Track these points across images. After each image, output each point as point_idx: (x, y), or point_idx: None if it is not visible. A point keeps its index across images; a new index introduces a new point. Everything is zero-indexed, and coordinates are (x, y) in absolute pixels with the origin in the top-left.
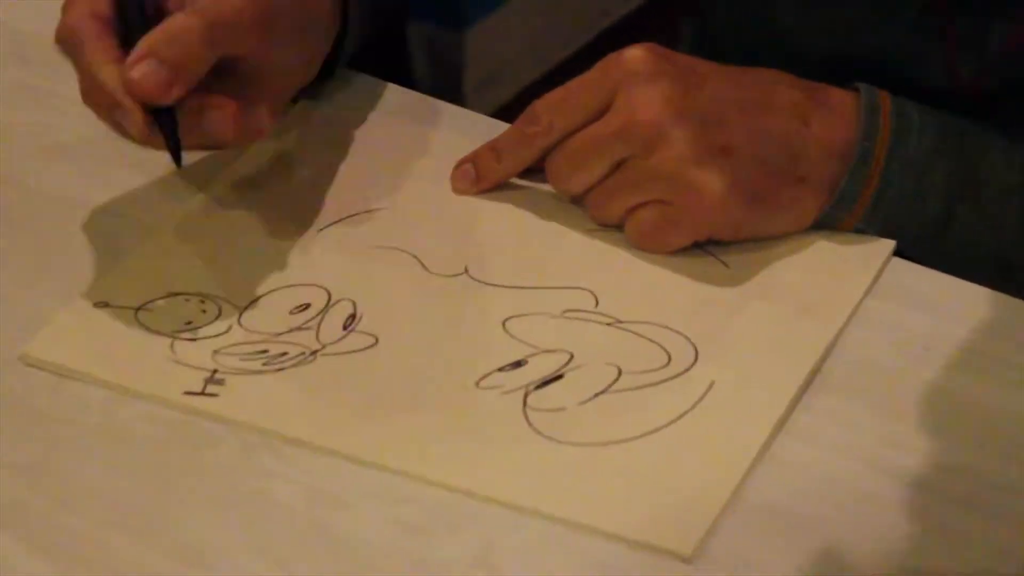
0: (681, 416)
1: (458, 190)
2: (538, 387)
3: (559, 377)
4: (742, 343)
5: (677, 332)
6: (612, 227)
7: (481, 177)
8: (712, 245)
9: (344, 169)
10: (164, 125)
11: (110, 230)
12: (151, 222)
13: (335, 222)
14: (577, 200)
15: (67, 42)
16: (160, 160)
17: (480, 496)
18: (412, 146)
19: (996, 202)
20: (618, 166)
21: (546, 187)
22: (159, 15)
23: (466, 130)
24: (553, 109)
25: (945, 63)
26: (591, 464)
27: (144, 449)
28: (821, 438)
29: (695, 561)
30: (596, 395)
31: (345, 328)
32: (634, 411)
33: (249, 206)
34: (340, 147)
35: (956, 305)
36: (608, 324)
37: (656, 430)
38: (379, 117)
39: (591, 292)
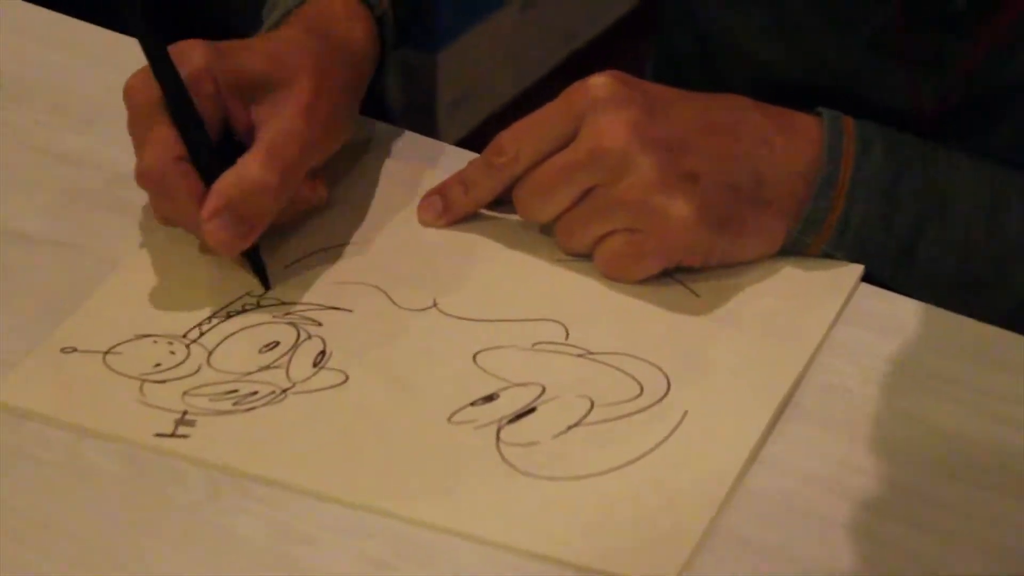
0: (656, 447)
1: (425, 222)
2: (511, 421)
3: (532, 410)
4: (714, 372)
5: (649, 362)
6: (582, 256)
7: (448, 209)
8: (682, 274)
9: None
10: (250, 257)
11: (72, 265)
12: (114, 256)
13: (301, 258)
14: (546, 229)
15: (155, 185)
16: (118, 193)
17: (456, 533)
18: (378, 178)
19: (963, 220)
20: (586, 194)
21: (514, 218)
22: (228, 136)
23: (435, 160)
24: (519, 139)
25: (906, 85)
26: (567, 498)
27: (109, 486)
28: (791, 466)
29: None
30: (569, 428)
31: (315, 366)
32: (608, 443)
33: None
34: None
35: (922, 330)
36: (579, 356)
37: (631, 462)
38: (347, 150)
39: (561, 324)
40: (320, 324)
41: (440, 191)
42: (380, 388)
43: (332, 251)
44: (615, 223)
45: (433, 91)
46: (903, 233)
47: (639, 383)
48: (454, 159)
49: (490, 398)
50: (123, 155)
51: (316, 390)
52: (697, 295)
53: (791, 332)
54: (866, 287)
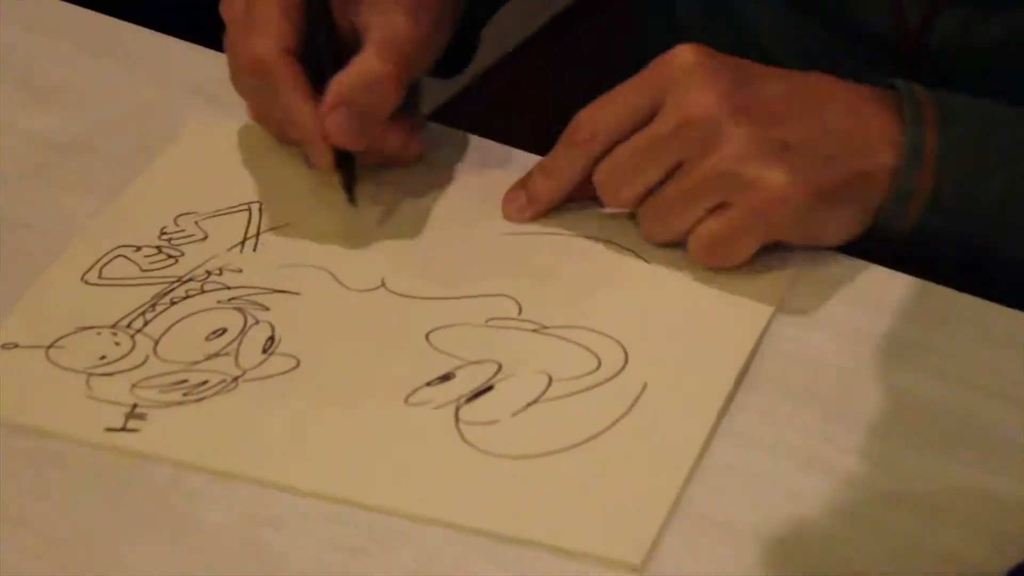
0: (617, 421)
1: (510, 218)
2: (469, 400)
3: (490, 388)
4: (671, 341)
5: (605, 335)
6: (669, 246)
7: (532, 200)
8: (630, 241)
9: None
10: (345, 167)
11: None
12: (63, 232)
13: (241, 241)
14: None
15: (258, 75)
16: (84, 175)
17: (420, 518)
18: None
19: None
20: (672, 171)
21: (457, 192)
22: (336, 43)
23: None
24: (597, 115)
25: (891, 8)
26: (531, 476)
27: (70, 472)
28: (759, 440)
29: (643, 571)
30: (529, 405)
31: (265, 351)
32: (569, 419)
33: (147, 228)
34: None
35: (887, 297)
36: (534, 331)
37: (593, 437)
38: None
39: (513, 299)
40: (267, 308)
41: (522, 184)
42: (333, 372)
43: (273, 232)
44: (707, 199)
45: None
46: (996, 196)
47: (596, 356)
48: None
49: (446, 377)
50: (89, 134)
51: (268, 377)
52: (648, 262)
53: (747, 297)
54: (827, 253)
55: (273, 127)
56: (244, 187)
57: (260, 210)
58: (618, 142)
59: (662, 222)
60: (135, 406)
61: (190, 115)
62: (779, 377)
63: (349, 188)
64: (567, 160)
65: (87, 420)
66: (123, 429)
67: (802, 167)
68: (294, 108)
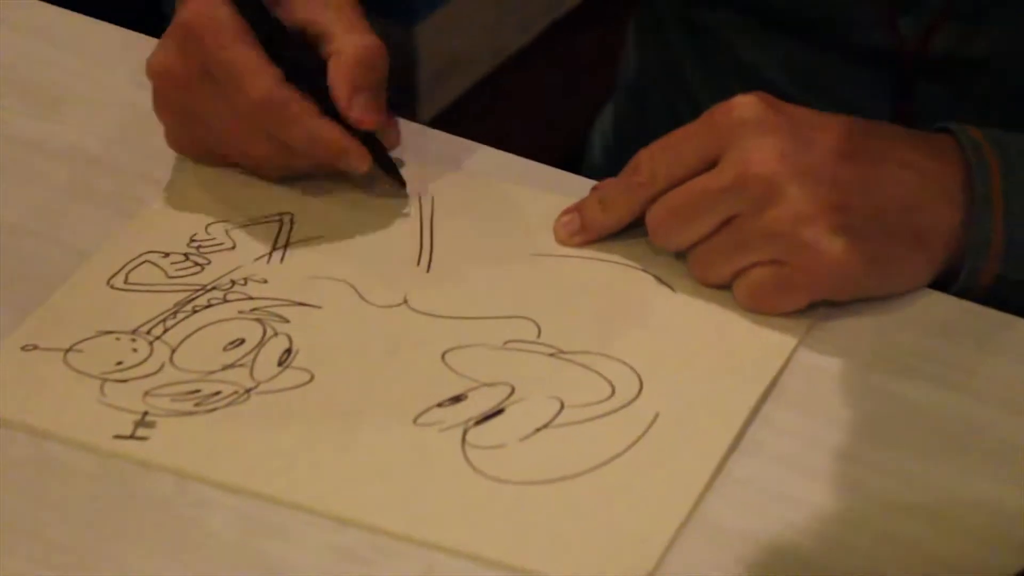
0: (625, 451)
1: (562, 241)
2: (478, 423)
3: (500, 412)
4: (690, 372)
5: (622, 362)
6: (720, 287)
7: (585, 227)
8: (657, 268)
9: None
10: (381, 160)
11: (43, 256)
12: (84, 248)
13: (268, 252)
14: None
15: (269, 114)
16: (87, 182)
17: (420, 540)
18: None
19: None
20: (726, 222)
21: (484, 208)
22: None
23: (414, 147)
24: (657, 158)
25: (884, 21)
26: (533, 503)
27: (75, 481)
28: (767, 450)
29: None
30: (537, 430)
31: (280, 364)
32: (577, 446)
33: (178, 235)
34: None
35: (902, 309)
36: (551, 355)
37: (600, 466)
38: None
39: (534, 321)
40: (287, 321)
41: (578, 209)
42: (346, 388)
43: (302, 244)
44: (759, 255)
45: (412, 65)
46: None
47: (611, 384)
48: (434, 142)
49: (457, 399)
50: (91, 142)
51: (280, 390)
52: (673, 290)
53: (770, 331)
54: None
55: (306, 162)
56: (277, 197)
57: (291, 221)
58: (675, 185)
59: (711, 268)
60: (145, 414)
61: None
62: (788, 387)
63: (395, 174)
64: (625, 198)
65: (96, 426)
66: (131, 437)
67: (859, 232)
68: (317, 128)
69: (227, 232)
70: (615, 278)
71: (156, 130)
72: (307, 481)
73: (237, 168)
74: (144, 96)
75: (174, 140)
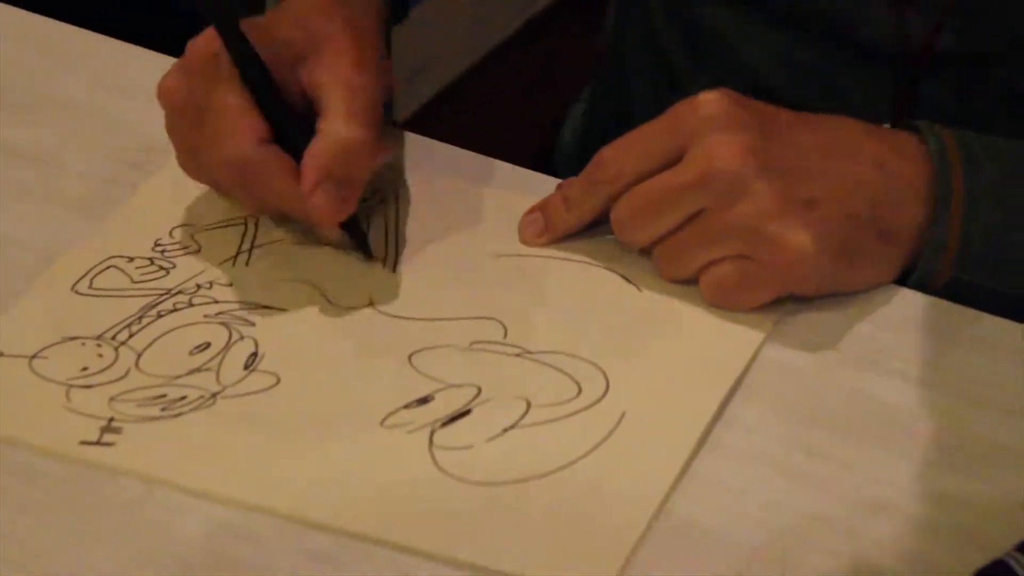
0: (591, 451)
1: (526, 241)
2: (444, 424)
3: (467, 412)
4: (656, 371)
5: (588, 361)
6: (683, 282)
7: (550, 227)
8: (623, 267)
9: None
10: (351, 228)
11: (7, 261)
12: (49, 253)
13: (233, 256)
14: (645, 251)
15: (245, 173)
16: (55, 185)
17: (389, 543)
18: None
19: None
20: (691, 217)
21: (448, 209)
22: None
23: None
24: (621, 155)
25: (891, 20)
26: (501, 504)
27: (43, 483)
28: (734, 447)
29: None
30: (505, 430)
31: (246, 368)
32: (543, 446)
33: (143, 240)
34: None
35: (867, 304)
36: (517, 355)
37: (567, 465)
38: None
39: (500, 322)
40: (253, 324)
41: (541, 208)
42: (312, 391)
43: (266, 248)
44: (725, 250)
45: None
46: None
47: (577, 383)
48: (404, 145)
49: (424, 400)
50: (55, 146)
51: (247, 394)
52: (639, 289)
53: (735, 328)
54: None
55: (271, 213)
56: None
57: (256, 225)
58: (639, 182)
59: (676, 263)
60: (111, 420)
61: (152, 125)
62: (755, 385)
63: (363, 246)
64: (589, 196)
65: (62, 432)
66: (98, 443)
67: (825, 226)
68: (288, 190)
69: (192, 236)
70: (581, 277)
71: (120, 134)
72: (275, 484)
73: None
74: (109, 100)
75: (182, 164)
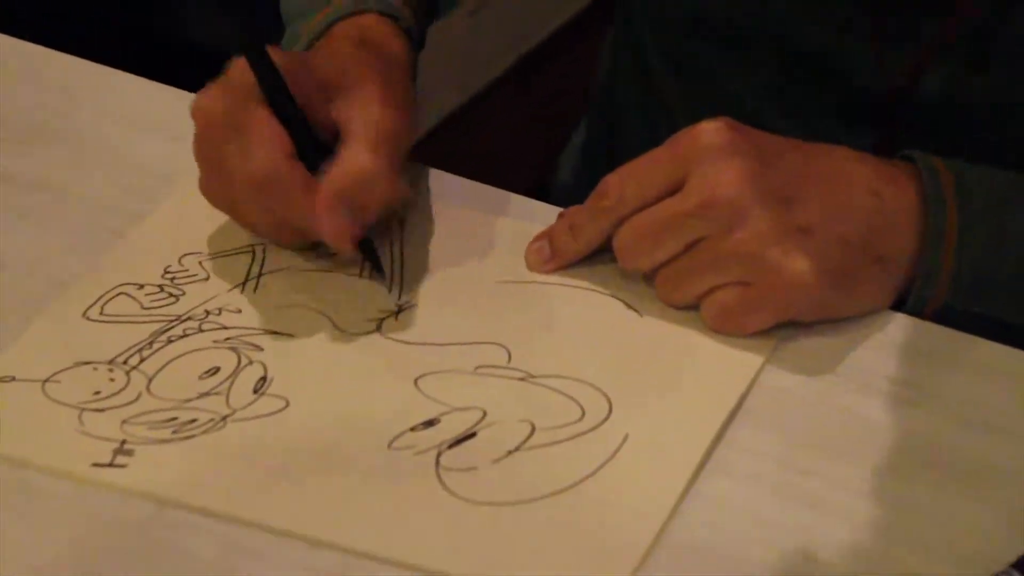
0: (595, 472)
1: (532, 267)
2: (451, 446)
3: (472, 435)
4: (657, 394)
5: (590, 384)
6: (685, 308)
7: (556, 254)
8: (624, 292)
9: None
10: (365, 248)
11: (20, 289)
12: (60, 280)
13: (243, 282)
14: (647, 277)
15: (269, 185)
16: (64, 215)
17: (396, 562)
18: None
19: None
20: (692, 244)
21: (456, 240)
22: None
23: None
24: (624, 182)
25: (877, 62)
26: (506, 524)
27: (53, 503)
28: (735, 469)
29: None
30: (509, 452)
31: (256, 392)
32: (548, 468)
33: (152, 267)
34: None
35: (865, 329)
36: (521, 379)
37: (571, 486)
38: None
39: (504, 347)
40: (261, 349)
41: (548, 235)
42: (321, 414)
43: (274, 274)
44: (726, 276)
45: None
46: (1018, 272)
47: (580, 406)
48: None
49: (430, 423)
50: (65, 176)
51: (256, 417)
52: (641, 315)
53: (735, 352)
54: None
55: (287, 235)
56: None
57: (263, 252)
58: (642, 209)
59: (678, 289)
60: (124, 442)
61: (154, 154)
62: (754, 408)
63: (376, 266)
64: (593, 223)
65: (75, 455)
66: (110, 465)
67: (822, 253)
68: (309, 213)
69: (200, 263)
70: (583, 303)
71: (129, 164)
72: (284, 505)
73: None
74: (116, 130)
75: (204, 187)
